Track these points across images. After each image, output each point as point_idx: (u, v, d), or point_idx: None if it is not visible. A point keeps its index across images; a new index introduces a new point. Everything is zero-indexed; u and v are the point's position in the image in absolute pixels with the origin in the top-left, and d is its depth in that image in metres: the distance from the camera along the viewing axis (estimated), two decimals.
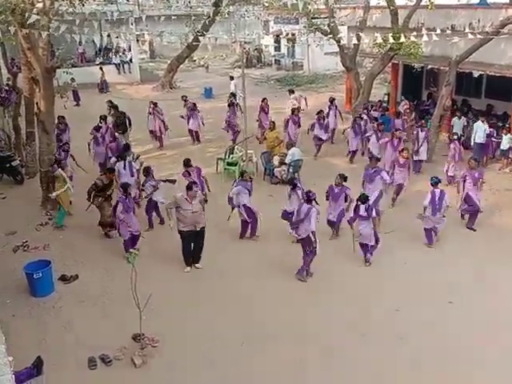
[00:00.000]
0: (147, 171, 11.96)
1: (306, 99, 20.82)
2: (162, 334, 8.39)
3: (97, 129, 15.36)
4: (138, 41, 31.79)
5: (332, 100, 18.21)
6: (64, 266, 10.50)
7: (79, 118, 17.69)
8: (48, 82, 12.59)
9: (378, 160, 12.76)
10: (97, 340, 8.33)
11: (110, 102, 18.36)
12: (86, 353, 8.01)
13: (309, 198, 9.85)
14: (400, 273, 10.21)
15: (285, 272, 10.21)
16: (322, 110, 17.20)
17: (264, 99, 18.92)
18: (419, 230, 11.18)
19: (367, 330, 8.51)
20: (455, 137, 14.26)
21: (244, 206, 11.17)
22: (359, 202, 10.14)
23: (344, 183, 11.14)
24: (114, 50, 32.50)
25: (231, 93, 20.40)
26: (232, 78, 24.55)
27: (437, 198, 10.77)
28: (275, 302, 9.37)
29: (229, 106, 18.29)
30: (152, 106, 18.03)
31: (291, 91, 20.60)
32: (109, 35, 28.88)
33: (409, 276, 10.08)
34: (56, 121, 14.22)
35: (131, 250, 9.14)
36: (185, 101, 18.96)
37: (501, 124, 16.17)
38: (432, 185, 10.96)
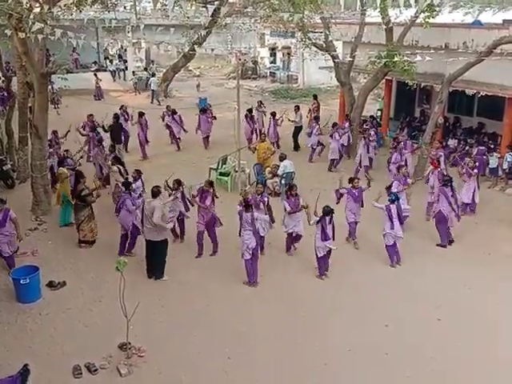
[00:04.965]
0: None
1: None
2: (148, 344, 8.33)
3: (100, 141, 15.25)
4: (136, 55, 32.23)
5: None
6: (52, 272, 10.44)
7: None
8: (43, 87, 12.57)
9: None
10: (83, 348, 8.27)
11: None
12: (71, 361, 7.94)
13: (247, 204, 10.03)
14: (390, 287, 10.25)
15: (272, 282, 10.23)
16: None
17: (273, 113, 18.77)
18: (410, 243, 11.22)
19: (353, 346, 8.50)
20: None
21: None
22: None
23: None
24: (110, 57, 32.60)
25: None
26: (153, 75, 27.37)
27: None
28: (261, 312, 9.33)
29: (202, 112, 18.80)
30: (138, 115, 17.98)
31: (297, 107, 19.65)
32: (122, 47, 30.41)
33: (398, 290, 10.11)
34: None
35: (120, 258, 9.07)
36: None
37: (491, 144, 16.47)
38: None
